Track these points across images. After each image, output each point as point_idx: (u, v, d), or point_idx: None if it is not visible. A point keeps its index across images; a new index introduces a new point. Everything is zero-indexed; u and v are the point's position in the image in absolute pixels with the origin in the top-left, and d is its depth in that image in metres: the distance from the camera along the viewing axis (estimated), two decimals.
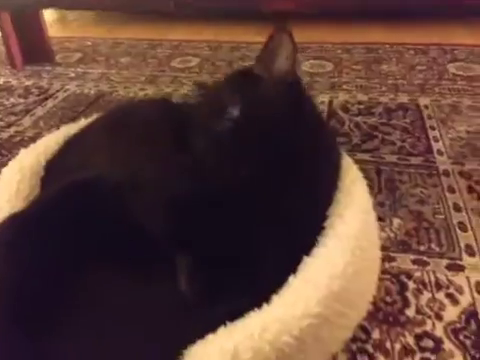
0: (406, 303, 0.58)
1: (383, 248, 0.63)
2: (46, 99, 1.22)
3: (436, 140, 0.94)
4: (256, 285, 0.47)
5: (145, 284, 0.46)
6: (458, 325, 0.54)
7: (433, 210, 0.74)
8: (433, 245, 0.67)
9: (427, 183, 0.80)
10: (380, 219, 0.70)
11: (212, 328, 0.43)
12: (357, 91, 1.18)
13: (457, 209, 0.74)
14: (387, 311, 0.57)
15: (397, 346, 0.52)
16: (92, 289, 0.46)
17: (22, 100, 1.22)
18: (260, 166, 0.51)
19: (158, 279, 0.47)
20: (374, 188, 0.78)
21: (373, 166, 0.85)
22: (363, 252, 0.51)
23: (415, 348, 0.52)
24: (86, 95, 1.23)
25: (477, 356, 0.51)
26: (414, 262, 0.64)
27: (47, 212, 0.49)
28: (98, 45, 1.63)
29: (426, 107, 1.07)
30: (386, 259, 0.63)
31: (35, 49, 1.43)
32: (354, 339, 0.53)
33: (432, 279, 0.61)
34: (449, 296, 0.58)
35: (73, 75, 1.38)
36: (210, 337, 0.42)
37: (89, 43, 1.66)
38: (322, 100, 1.12)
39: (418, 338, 0.53)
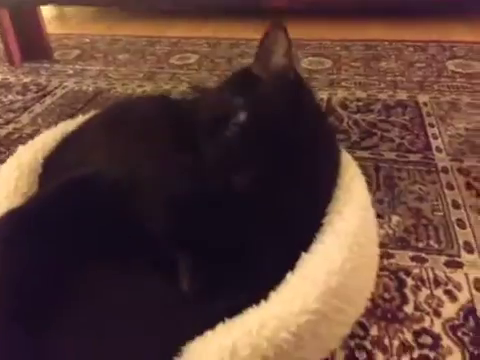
0: (404, 300, 0.58)
1: (382, 245, 0.63)
2: (44, 96, 1.21)
3: (435, 137, 0.94)
4: (254, 282, 0.47)
5: (144, 280, 0.46)
6: (456, 322, 0.55)
7: (432, 207, 0.74)
8: (432, 242, 0.67)
9: (426, 180, 0.80)
10: (379, 216, 0.70)
11: (211, 324, 0.43)
12: (356, 88, 1.18)
13: (456, 206, 0.74)
14: (385, 308, 0.57)
15: (395, 343, 0.52)
16: (91, 285, 0.46)
17: (20, 97, 1.22)
18: (266, 166, 0.51)
19: (157, 275, 0.47)
20: (373, 185, 0.78)
21: (372, 163, 0.85)
22: (361, 248, 0.51)
23: (413, 345, 0.52)
24: (84, 92, 1.23)
25: (475, 353, 0.51)
26: (412, 259, 0.64)
27: (45, 208, 0.49)
28: (96, 42, 1.63)
29: (425, 104, 1.07)
30: (385, 256, 0.63)
31: (33, 46, 1.42)
32: (352, 335, 0.53)
33: (430, 276, 0.61)
34: (447, 293, 0.58)
35: (71, 72, 1.37)
36: (209, 334, 0.42)
37: (87, 40, 1.65)
38: (321, 97, 1.12)
39: (416, 335, 0.53)
